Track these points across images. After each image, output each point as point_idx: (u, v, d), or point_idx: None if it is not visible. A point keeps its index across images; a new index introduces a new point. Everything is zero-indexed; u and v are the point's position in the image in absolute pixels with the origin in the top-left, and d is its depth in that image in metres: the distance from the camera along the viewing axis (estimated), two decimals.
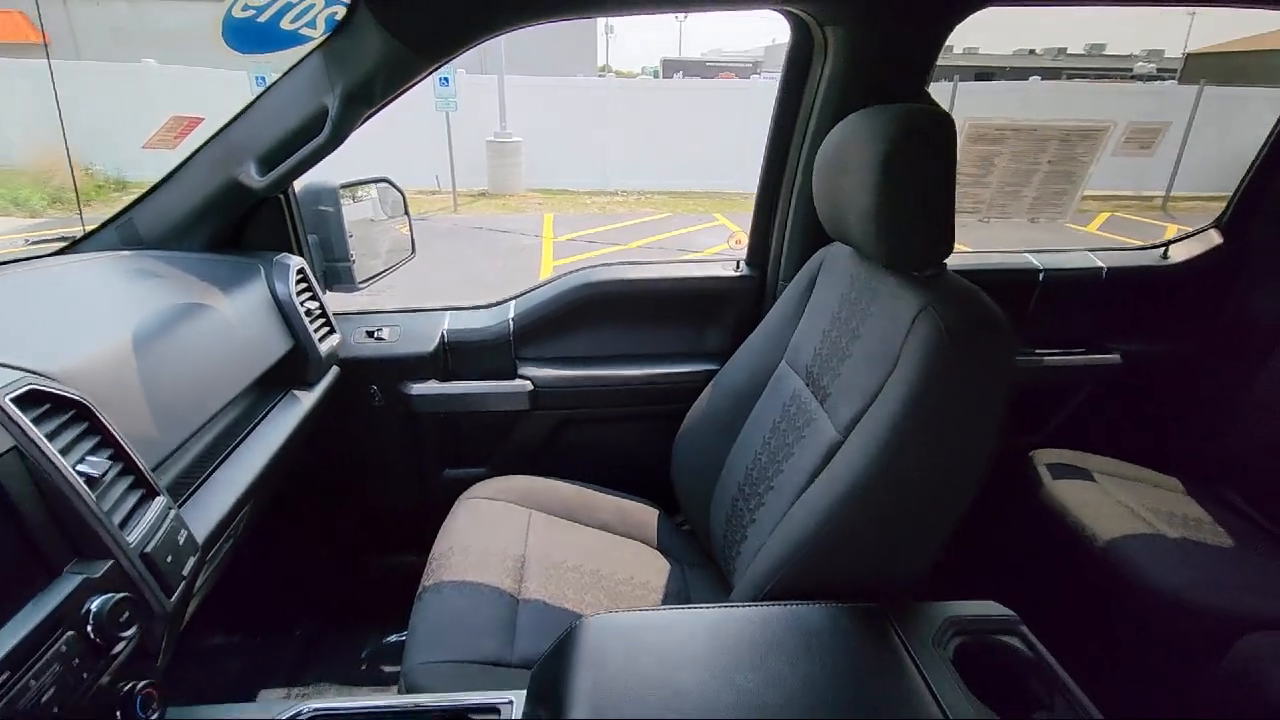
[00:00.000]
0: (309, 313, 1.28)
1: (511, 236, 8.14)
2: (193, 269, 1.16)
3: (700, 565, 1.29)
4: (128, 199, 1.25)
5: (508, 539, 1.24)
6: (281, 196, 1.31)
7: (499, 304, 1.56)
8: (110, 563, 0.68)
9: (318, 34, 1.08)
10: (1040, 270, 1.56)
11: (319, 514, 1.58)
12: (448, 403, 1.47)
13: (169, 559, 0.75)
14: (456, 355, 1.48)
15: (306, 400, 1.24)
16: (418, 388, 1.46)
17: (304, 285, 1.30)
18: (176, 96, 9.35)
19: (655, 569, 1.24)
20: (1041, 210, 1.52)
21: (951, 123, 0.86)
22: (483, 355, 1.49)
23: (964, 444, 0.82)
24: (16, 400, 0.65)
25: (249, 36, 0.96)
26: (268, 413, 1.16)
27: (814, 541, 0.85)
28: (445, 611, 1.07)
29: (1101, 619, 1.26)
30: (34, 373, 0.70)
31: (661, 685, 0.70)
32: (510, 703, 0.81)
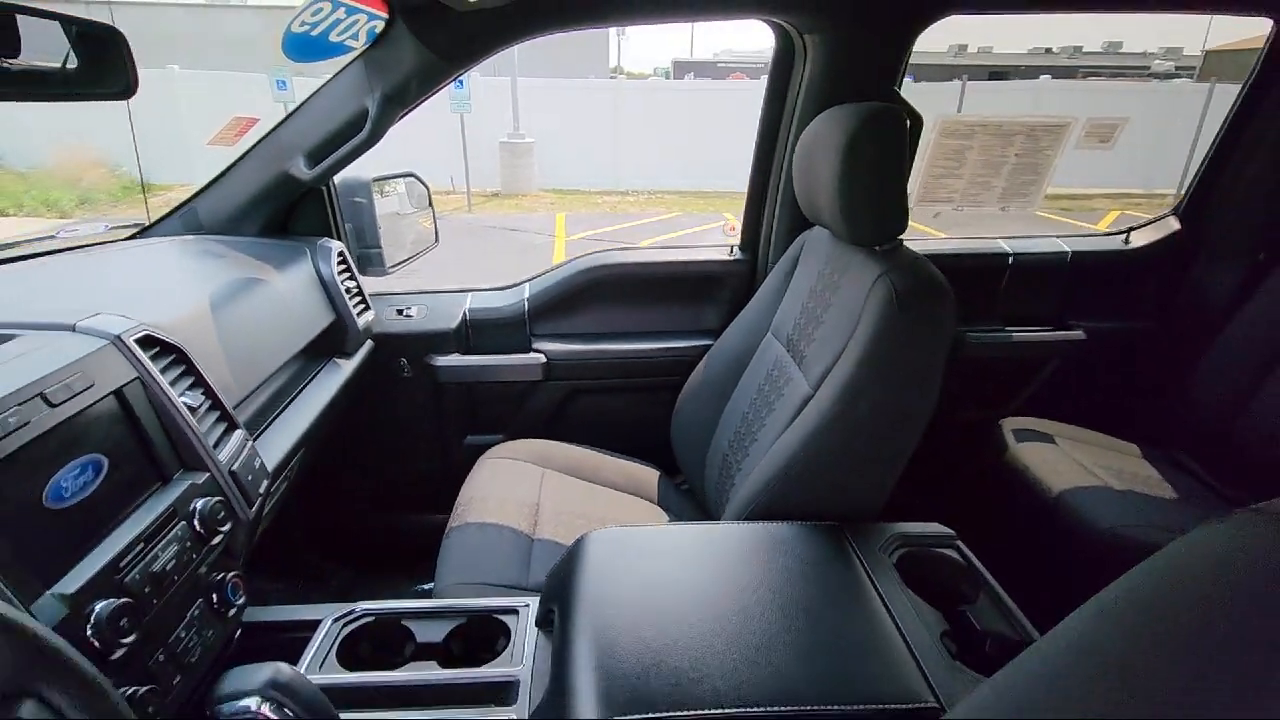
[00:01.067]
0: (348, 291, 1.45)
1: (524, 235, 8.33)
2: (249, 250, 1.33)
3: (697, 520, 1.44)
4: (156, 200, 1.42)
5: (523, 491, 1.40)
6: (324, 188, 1.48)
7: (515, 286, 1.73)
8: (207, 475, 0.84)
9: (359, 45, 1.25)
10: (1010, 254, 1.70)
11: (352, 476, 1.74)
12: (469, 374, 1.64)
13: (249, 477, 0.92)
14: (477, 331, 1.65)
15: (346, 368, 1.41)
16: (442, 360, 1.62)
17: (344, 267, 1.47)
18: (199, 101, 9.64)
19: (655, 521, 1.40)
20: (1011, 200, 1.66)
21: (901, 117, 1.01)
22: (500, 331, 1.65)
23: (911, 390, 0.97)
24: (137, 341, 0.82)
25: (305, 47, 1.12)
26: (314, 376, 1.33)
27: (785, 474, 1.01)
28: (469, 546, 1.23)
29: (1043, 551, 1.39)
30: (143, 324, 0.87)
31: (651, 581, 0.85)
32: (527, 605, 0.97)
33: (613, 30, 16.05)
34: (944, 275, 0.99)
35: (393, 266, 1.70)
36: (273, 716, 0.63)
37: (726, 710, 0.66)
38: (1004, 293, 1.73)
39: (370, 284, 1.60)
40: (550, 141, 10.93)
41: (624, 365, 1.67)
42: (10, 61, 0.64)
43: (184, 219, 1.41)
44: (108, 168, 9.73)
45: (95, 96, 0.77)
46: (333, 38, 1.18)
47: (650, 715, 0.65)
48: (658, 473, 1.56)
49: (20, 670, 0.37)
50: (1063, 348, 1.74)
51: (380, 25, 1.22)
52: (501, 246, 7.70)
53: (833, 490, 1.01)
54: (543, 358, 1.65)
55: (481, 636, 0.96)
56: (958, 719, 0.43)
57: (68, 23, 0.70)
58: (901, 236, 1.09)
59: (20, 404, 0.65)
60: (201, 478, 0.83)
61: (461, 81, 9.36)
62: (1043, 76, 13.82)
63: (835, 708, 0.67)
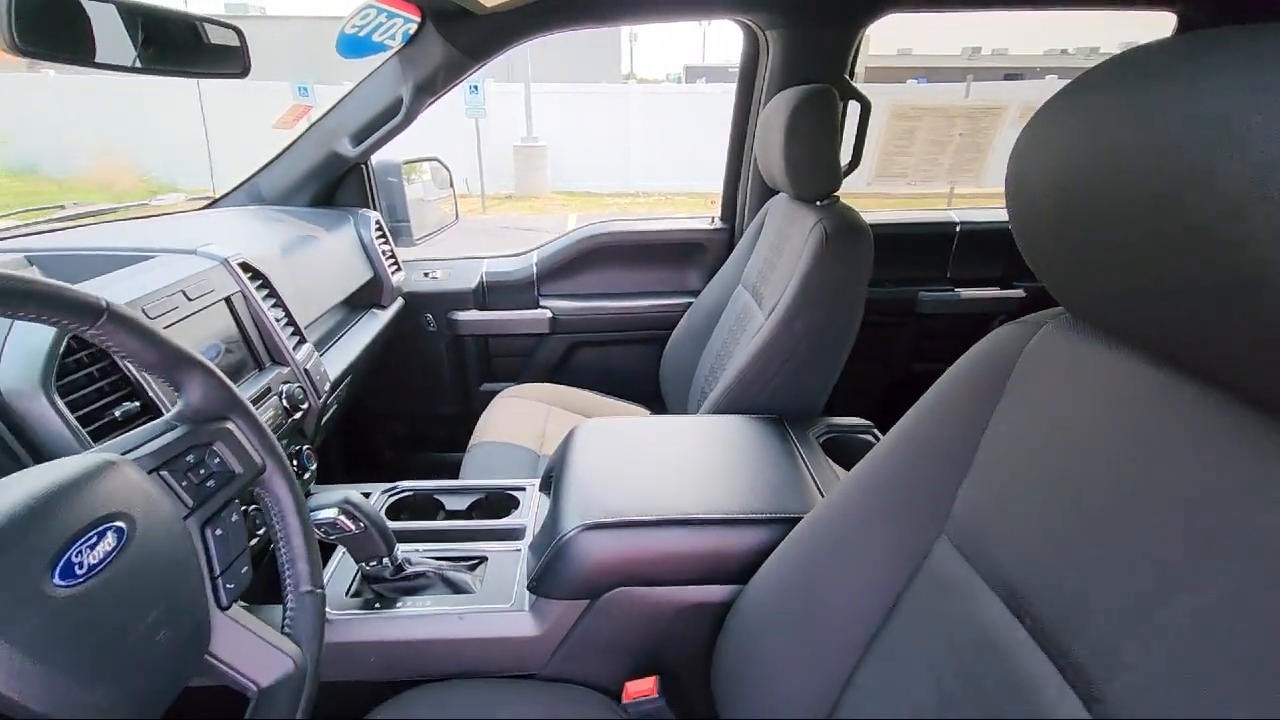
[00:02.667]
0: (383, 254, 1.71)
1: (537, 235, 8.60)
2: (303, 216, 1.60)
3: None
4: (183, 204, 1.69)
5: (531, 424, 1.65)
6: (363, 167, 1.75)
7: (525, 253, 1.99)
8: (289, 368, 1.11)
9: (396, 44, 1.51)
10: (958, 224, 1.94)
11: (385, 415, 2.01)
12: (485, 327, 1.90)
13: (317, 376, 1.18)
14: (492, 291, 1.91)
15: (382, 317, 1.67)
16: (462, 315, 1.88)
17: (380, 233, 1.73)
18: (223, 108, 10.03)
19: None
20: (958, 176, 1.89)
21: (833, 96, 1.26)
22: (512, 291, 1.91)
23: (839, 308, 1.22)
24: (238, 265, 1.08)
25: (354, 46, 1.39)
26: (357, 321, 1.60)
27: (739, 380, 1.25)
28: (487, 455, 1.49)
29: None
30: (240, 253, 1.13)
31: (625, 450, 1.10)
32: (534, 484, 1.22)
33: (625, 37, 16.32)
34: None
35: (419, 239, 1.97)
36: (349, 523, 0.88)
37: (669, 516, 0.91)
38: (954, 258, 1.96)
39: (400, 253, 1.87)
40: (563, 145, 11.24)
41: (619, 320, 1.92)
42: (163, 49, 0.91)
43: (248, 192, 1.68)
44: (137, 175, 10.19)
45: (222, 75, 1.04)
46: (375, 38, 1.44)
47: (614, 519, 0.90)
48: (648, 411, 1.80)
49: (225, 404, 0.63)
50: (1007, 305, 1.97)
51: (413, 27, 1.49)
52: (514, 246, 7.97)
53: (776, 393, 1.25)
54: (549, 314, 1.90)
55: (497, 508, 1.21)
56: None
57: (205, 20, 0.97)
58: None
59: (169, 295, 0.92)
60: (285, 370, 1.10)
61: (476, 87, 9.70)
62: (1049, 76, 13.95)
63: (752, 515, 0.91)
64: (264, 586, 0.85)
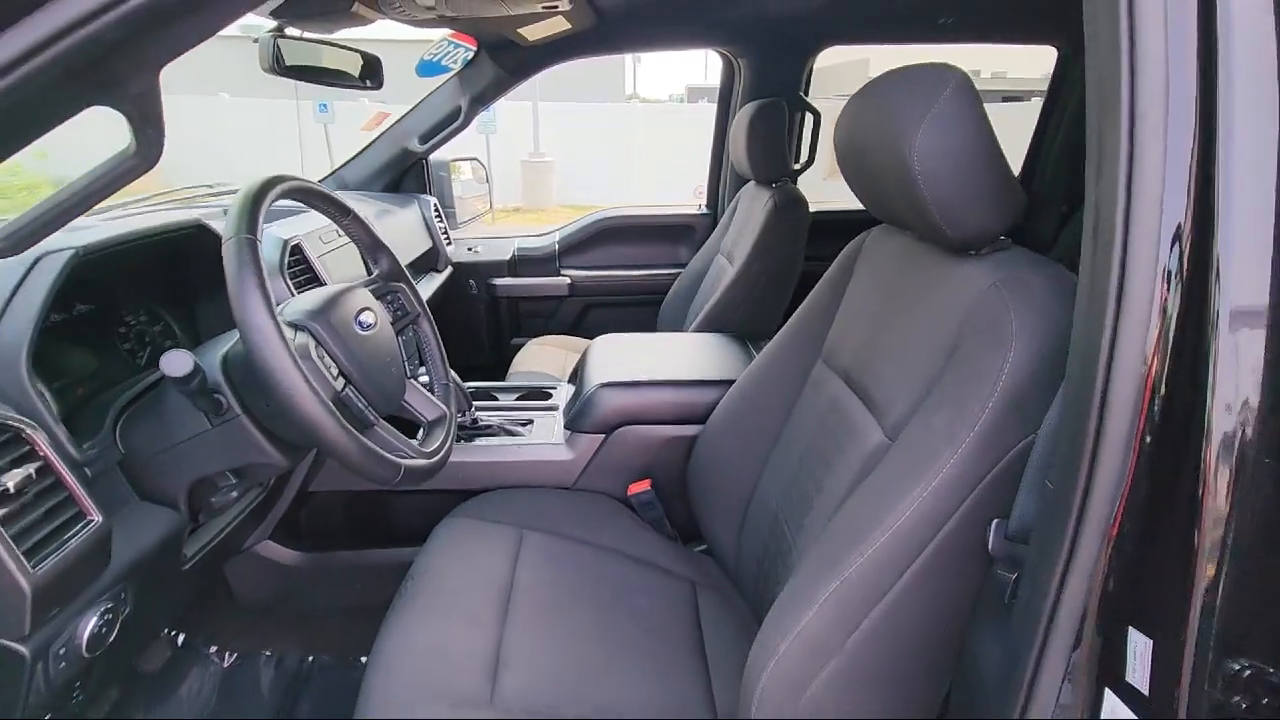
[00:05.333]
0: (440, 230, 2.19)
1: None
2: (379, 199, 2.07)
3: None
4: None
5: (554, 364, 2.11)
6: (423, 163, 2.23)
7: (549, 233, 2.47)
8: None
9: (457, 67, 2.00)
10: None
11: None
12: (516, 291, 2.37)
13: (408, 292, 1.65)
14: (522, 263, 2.38)
15: (437, 279, 2.15)
16: (498, 281, 2.36)
17: (436, 214, 2.21)
18: (244, 125, 10.58)
19: None
20: None
21: (780, 106, 1.74)
22: (539, 263, 2.39)
23: (784, 257, 1.69)
24: None
25: (430, 69, 1.88)
26: (420, 281, 2.07)
27: (715, 309, 1.72)
28: (522, 380, 1.95)
29: None
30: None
31: (638, 348, 1.56)
32: (564, 382, 1.67)
33: (629, 61, 17.00)
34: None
35: (461, 223, 2.45)
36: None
37: (658, 379, 1.37)
38: None
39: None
40: (569, 161, 11.79)
41: (624, 286, 2.40)
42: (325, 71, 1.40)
43: (335, 180, 2.16)
44: (163, 186, 10.71)
45: (366, 88, 1.52)
46: (443, 62, 1.93)
47: (623, 380, 1.36)
48: None
49: (399, 274, 1.09)
50: None
51: (470, 54, 1.97)
52: None
53: (742, 320, 1.71)
54: (568, 280, 2.38)
55: (537, 399, 1.66)
56: None
57: (354, 51, 1.46)
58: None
59: (328, 229, 1.39)
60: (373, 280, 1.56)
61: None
62: (1034, 99, 14.51)
63: (711, 379, 1.37)
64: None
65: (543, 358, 2.12)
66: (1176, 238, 0.48)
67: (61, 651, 0.69)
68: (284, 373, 0.72)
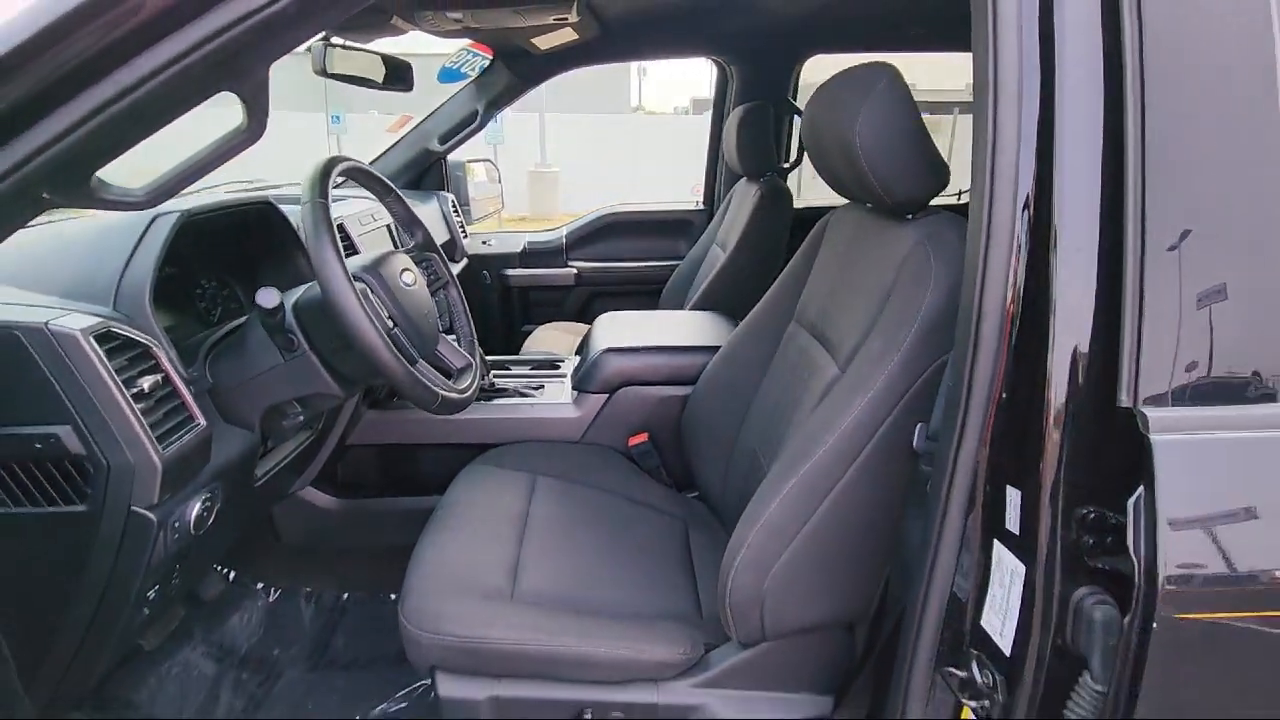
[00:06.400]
0: (457, 224, 2.38)
1: None
2: (403, 193, 2.26)
3: None
4: None
5: (562, 347, 2.29)
6: (442, 162, 2.43)
7: (557, 228, 2.66)
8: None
9: (474, 74, 2.20)
10: None
11: None
12: (527, 280, 2.56)
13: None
14: (532, 255, 2.58)
15: (454, 269, 2.33)
16: (510, 272, 2.55)
17: (454, 209, 2.40)
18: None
19: None
20: None
21: (765, 108, 1.93)
22: (548, 255, 2.58)
23: (769, 241, 1.87)
24: None
25: (451, 75, 2.07)
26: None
27: (709, 289, 1.90)
28: (535, 350, 2.13)
29: None
30: None
31: (633, 323, 1.74)
32: (571, 355, 1.85)
33: (635, 73, 17.29)
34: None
35: (475, 219, 2.65)
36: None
37: (654, 345, 1.55)
38: None
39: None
40: (574, 171, 12.03)
41: (626, 277, 2.58)
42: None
43: None
44: (204, 182, 10.99)
45: (397, 89, 1.72)
46: (461, 70, 2.13)
47: (624, 345, 1.54)
48: None
49: (431, 245, 1.28)
50: None
51: (487, 63, 2.17)
52: None
53: (733, 299, 1.89)
54: (574, 271, 2.57)
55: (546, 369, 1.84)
56: None
57: (388, 59, 1.66)
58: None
59: (366, 214, 1.57)
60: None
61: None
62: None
63: (699, 345, 1.55)
64: None
65: (551, 341, 2.30)
66: (1026, 193, 0.66)
67: (176, 525, 0.87)
68: (352, 308, 0.90)
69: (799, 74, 2.31)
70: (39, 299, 0.85)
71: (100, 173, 0.73)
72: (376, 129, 8.23)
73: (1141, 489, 0.60)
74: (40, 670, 0.88)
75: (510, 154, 11.35)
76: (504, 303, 2.60)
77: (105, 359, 0.77)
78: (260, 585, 1.56)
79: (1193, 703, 0.64)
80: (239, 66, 0.72)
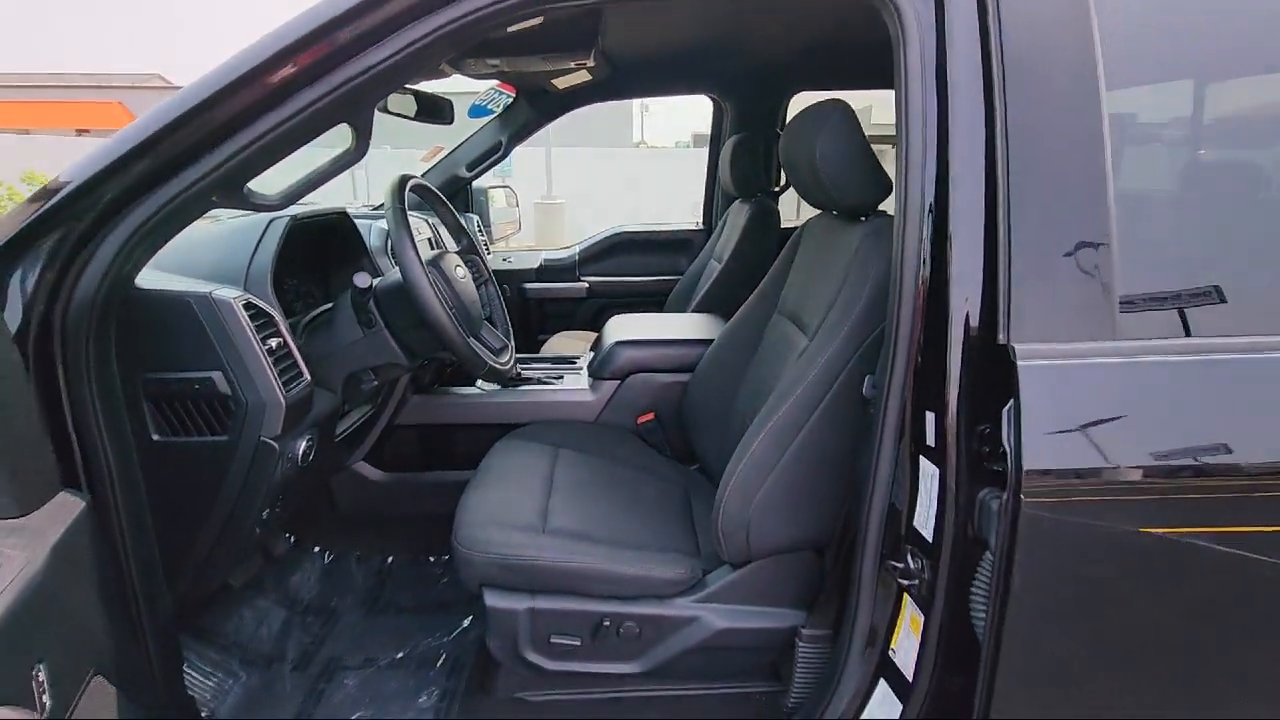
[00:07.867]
0: (481, 242, 2.65)
1: None
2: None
3: None
4: None
5: (575, 353, 2.55)
6: (469, 187, 2.71)
7: (570, 247, 2.93)
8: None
9: (499, 109, 2.49)
10: None
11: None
12: (543, 293, 2.83)
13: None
14: (548, 270, 2.85)
15: None
16: (528, 286, 2.81)
17: (479, 229, 2.68)
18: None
19: None
20: None
21: (755, 139, 2.21)
22: (562, 270, 2.85)
23: (757, 253, 2.13)
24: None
25: (480, 111, 2.36)
26: None
27: (706, 295, 2.16)
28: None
29: None
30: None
31: (641, 323, 1.99)
32: (588, 354, 2.10)
33: (637, 110, 17.87)
34: None
35: (496, 239, 2.92)
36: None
37: (659, 338, 1.80)
38: None
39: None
40: (579, 203, 12.43)
41: (633, 290, 2.85)
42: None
43: None
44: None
45: (437, 123, 2.01)
46: (488, 106, 2.42)
47: (634, 338, 1.79)
48: None
49: (474, 248, 1.54)
50: None
51: (509, 100, 2.46)
52: None
53: (728, 304, 2.15)
54: (586, 285, 2.83)
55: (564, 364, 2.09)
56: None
57: (425, 96, 1.95)
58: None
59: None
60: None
61: None
62: None
63: (697, 338, 1.80)
64: None
65: (565, 347, 2.56)
66: (930, 200, 0.91)
67: (289, 455, 1.12)
68: (425, 289, 1.16)
69: (787, 109, 2.59)
70: (192, 281, 1.11)
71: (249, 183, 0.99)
72: (387, 161, 8.61)
73: (1011, 401, 0.84)
74: (180, 572, 1.11)
75: (517, 186, 11.76)
76: (522, 313, 2.86)
77: (249, 321, 1.03)
78: (317, 549, 1.79)
79: (1048, 561, 0.86)
80: (355, 104, 0.99)
